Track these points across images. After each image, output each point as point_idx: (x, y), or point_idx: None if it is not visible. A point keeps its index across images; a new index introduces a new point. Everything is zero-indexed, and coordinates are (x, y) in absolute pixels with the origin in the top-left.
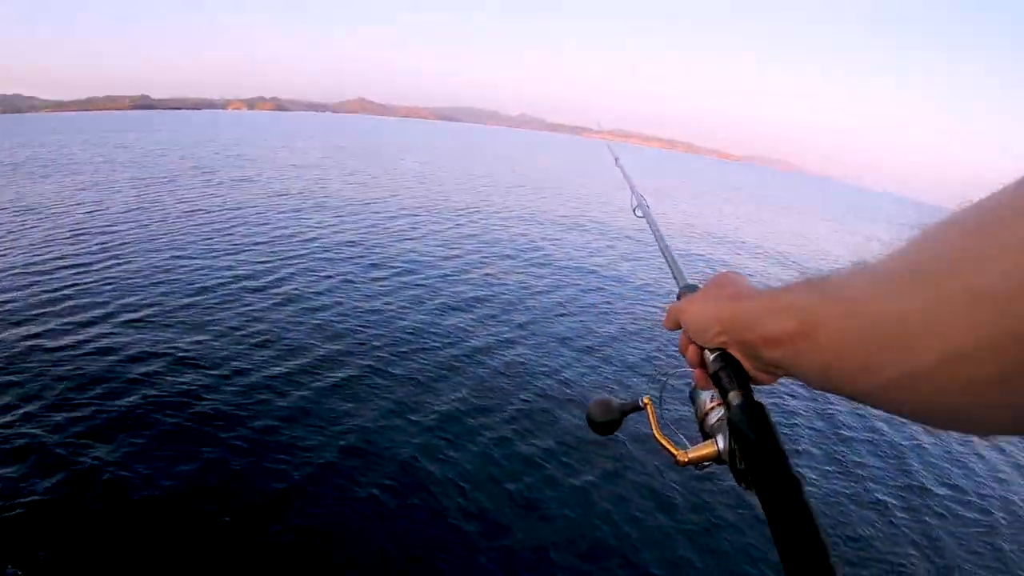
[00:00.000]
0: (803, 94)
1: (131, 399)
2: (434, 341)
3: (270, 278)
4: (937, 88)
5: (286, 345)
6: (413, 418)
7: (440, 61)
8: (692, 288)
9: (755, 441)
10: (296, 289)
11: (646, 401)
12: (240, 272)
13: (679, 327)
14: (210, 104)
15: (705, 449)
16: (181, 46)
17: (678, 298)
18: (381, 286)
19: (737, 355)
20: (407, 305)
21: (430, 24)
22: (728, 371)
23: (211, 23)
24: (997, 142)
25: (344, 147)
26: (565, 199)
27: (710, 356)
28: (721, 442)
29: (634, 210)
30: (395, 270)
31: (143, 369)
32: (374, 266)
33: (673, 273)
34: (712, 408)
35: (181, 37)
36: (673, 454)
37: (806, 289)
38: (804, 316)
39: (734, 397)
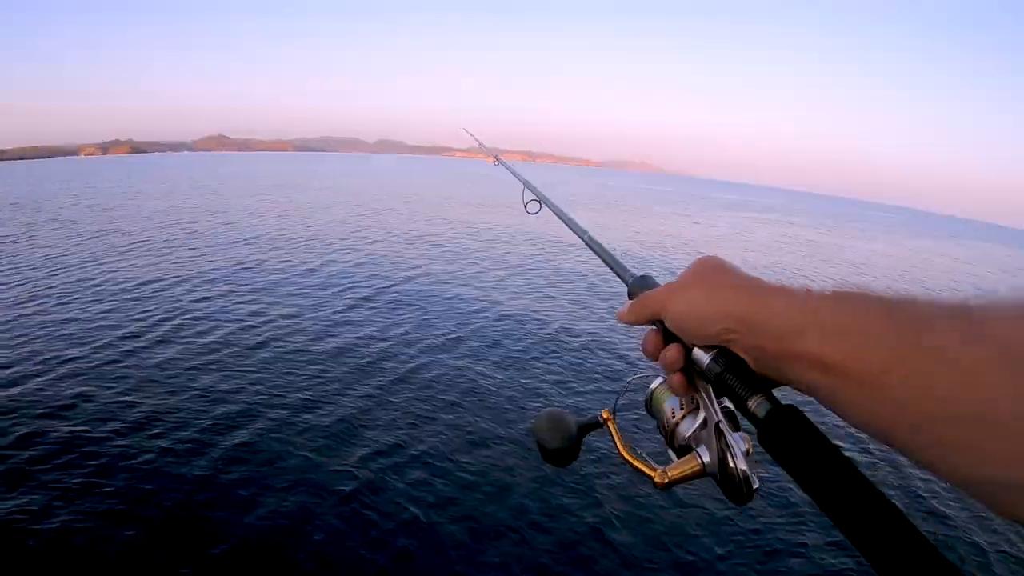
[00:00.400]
0: (656, 100)
1: None
2: (361, 367)
3: (192, 321)
4: (787, 90)
5: (226, 390)
6: (348, 449)
7: (297, 94)
8: (648, 280)
9: (813, 450)
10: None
11: (605, 416)
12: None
13: (651, 322)
14: (61, 151)
15: (688, 465)
16: (23, 90)
17: (631, 295)
18: (289, 317)
19: (742, 354)
20: (307, 336)
21: (284, 57)
22: (734, 373)
23: (56, 64)
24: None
25: (212, 187)
26: (447, 210)
27: (704, 356)
28: (706, 455)
29: (526, 206)
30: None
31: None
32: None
33: (610, 264)
34: (684, 416)
35: (22, 81)
36: (650, 475)
37: (885, 315)
38: (884, 353)
39: (757, 404)
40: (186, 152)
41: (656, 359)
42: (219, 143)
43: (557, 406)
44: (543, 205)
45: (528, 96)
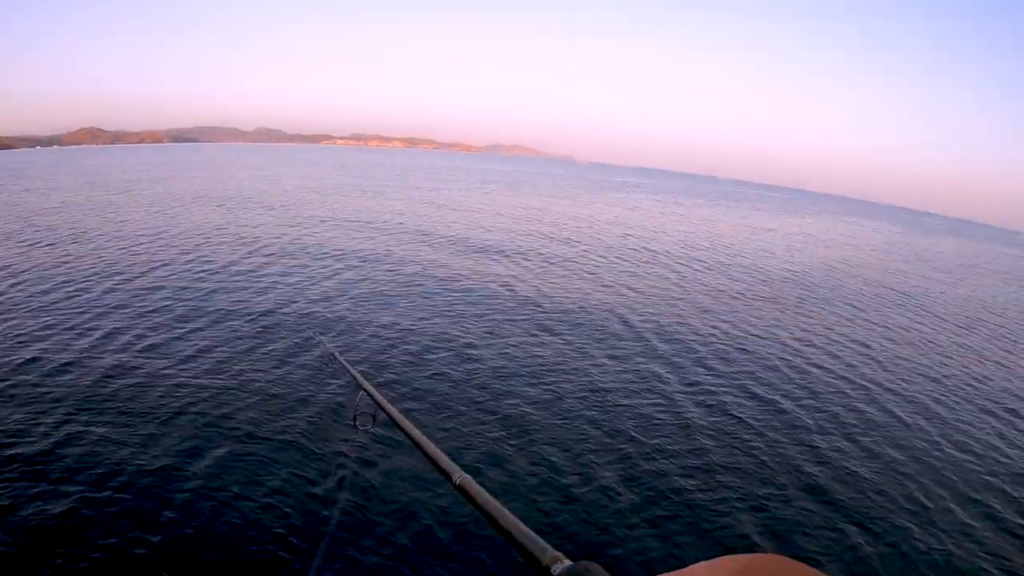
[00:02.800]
0: (531, 85)
1: None
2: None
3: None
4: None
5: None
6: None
7: (172, 83)
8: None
9: None
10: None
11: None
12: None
13: None
14: None
15: None
16: None
17: None
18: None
19: None
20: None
21: (157, 42)
22: None
23: None
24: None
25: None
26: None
27: None
28: None
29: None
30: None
31: None
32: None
33: (524, 543)
34: None
35: None
36: None
37: None
38: None
39: None
40: (55, 147)
41: None
42: (91, 136)
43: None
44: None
45: (410, 84)
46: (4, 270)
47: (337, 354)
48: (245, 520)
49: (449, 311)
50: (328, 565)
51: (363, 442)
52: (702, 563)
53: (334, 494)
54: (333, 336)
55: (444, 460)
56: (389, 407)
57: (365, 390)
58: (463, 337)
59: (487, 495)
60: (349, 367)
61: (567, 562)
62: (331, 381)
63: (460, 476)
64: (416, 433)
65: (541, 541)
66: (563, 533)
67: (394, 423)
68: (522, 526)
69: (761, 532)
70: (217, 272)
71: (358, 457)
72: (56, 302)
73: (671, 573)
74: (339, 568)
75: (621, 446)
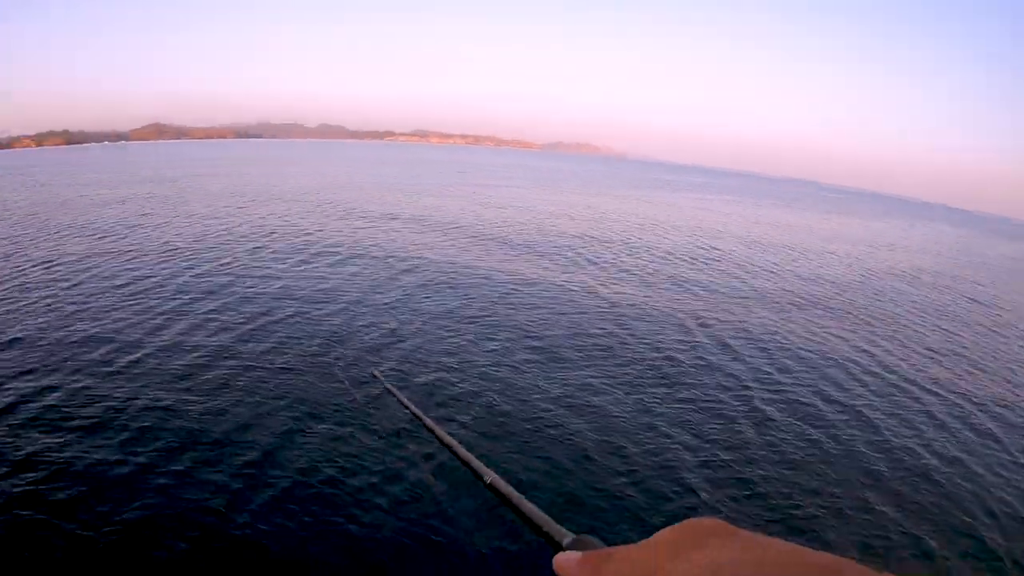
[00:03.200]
0: (594, 82)
1: None
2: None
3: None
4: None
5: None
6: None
7: (235, 80)
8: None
9: None
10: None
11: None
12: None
13: None
14: None
15: None
16: None
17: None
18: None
19: None
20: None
21: (219, 43)
22: None
23: None
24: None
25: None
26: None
27: None
28: None
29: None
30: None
31: None
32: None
33: (543, 525)
34: None
35: None
36: None
37: None
38: None
39: None
40: (123, 142)
41: None
42: (157, 131)
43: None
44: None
45: (472, 81)
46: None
47: (378, 374)
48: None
49: (528, 316)
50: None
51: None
52: (658, 532)
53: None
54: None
55: (475, 462)
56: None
57: (397, 397)
58: (542, 335)
59: (511, 488)
60: (397, 392)
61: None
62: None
63: (491, 476)
64: (447, 438)
65: (556, 524)
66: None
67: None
68: (541, 512)
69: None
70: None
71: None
72: (121, 301)
73: (633, 544)
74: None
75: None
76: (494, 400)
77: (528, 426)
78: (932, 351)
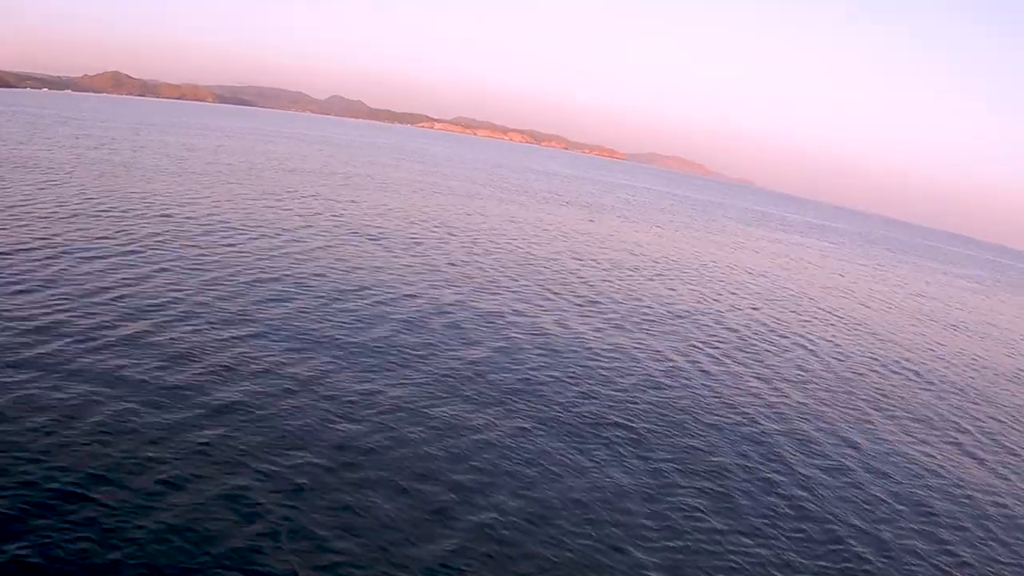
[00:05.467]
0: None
1: None
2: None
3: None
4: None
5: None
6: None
7: (224, 32)
8: None
9: None
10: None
11: None
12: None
13: None
14: None
15: None
16: None
17: None
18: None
19: None
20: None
21: None
22: None
23: None
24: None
25: None
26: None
27: None
28: None
29: None
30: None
31: None
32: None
33: None
34: None
35: None
36: None
37: None
38: None
39: None
40: (68, 91)
41: None
42: (114, 82)
43: None
44: None
45: (536, 67)
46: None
47: None
48: None
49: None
50: None
51: None
52: None
53: None
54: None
55: None
56: None
57: None
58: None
59: None
60: None
61: None
62: None
63: None
64: None
65: None
66: None
67: None
68: None
69: None
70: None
71: None
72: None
73: None
74: None
75: None
76: None
77: None
78: None
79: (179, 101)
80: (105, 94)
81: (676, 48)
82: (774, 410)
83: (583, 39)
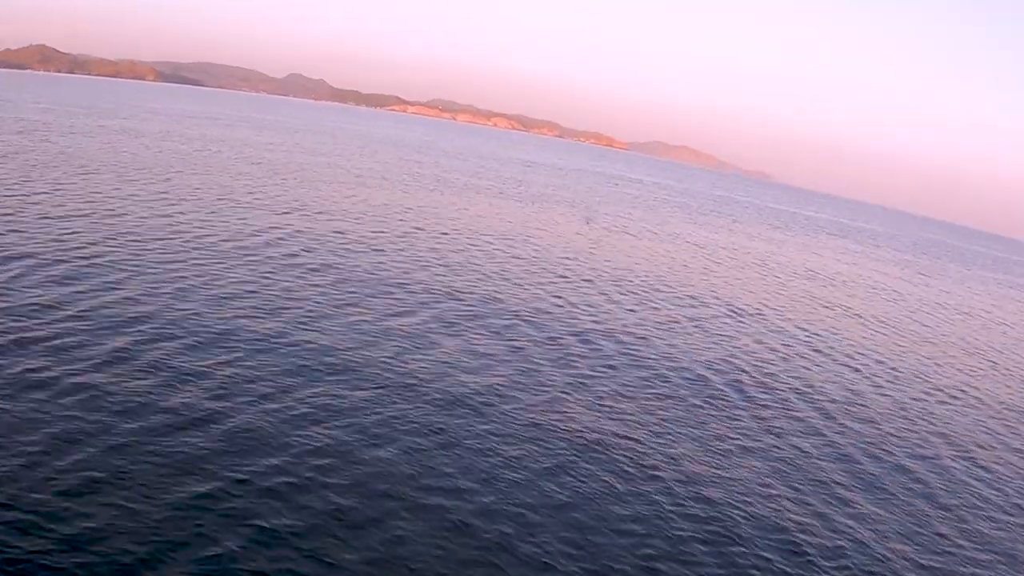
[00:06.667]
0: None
1: None
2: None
3: None
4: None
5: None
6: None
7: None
8: None
9: None
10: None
11: None
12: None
13: None
14: None
15: None
16: None
17: None
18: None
19: None
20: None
21: None
22: None
23: None
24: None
25: None
26: None
27: None
28: None
29: None
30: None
31: None
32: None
33: None
34: None
35: None
36: None
37: None
38: None
39: None
40: None
41: None
42: (40, 57)
43: None
44: None
45: (525, 43)
46: None
47: None
48: None
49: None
50: None
51: None
52: None
53: None
54: None
55: None
56: None
57: None
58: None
59: None
60: None
61: None
62: None
63: None
64: None
65: None
66: None
67: None
68: None
69: None
70: None
71: None
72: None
73: None
74: None
75: None
76: None
77: None
78: None
79: (114, 79)
80: (30, 71)
81: (685, 25)
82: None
83: (579, 11)
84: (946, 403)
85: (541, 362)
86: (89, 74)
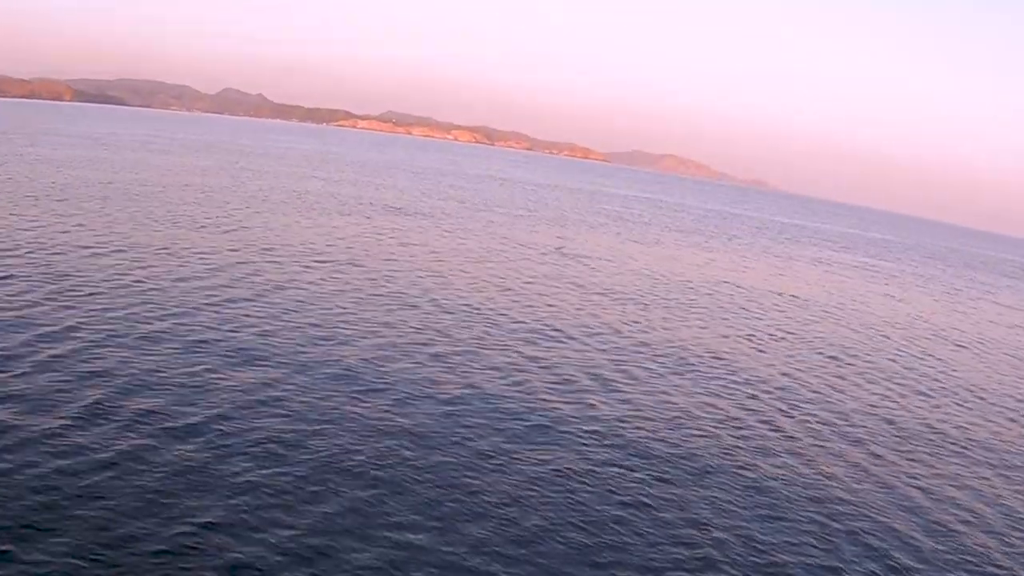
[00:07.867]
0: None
1: None
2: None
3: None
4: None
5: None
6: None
7: (87, 9)
8: None
9: None
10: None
11: None
12: None
13: None
14: None
15: None
16: None
17: None
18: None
19: None
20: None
21: None
22: None
23: None
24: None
25: None
26: None
27: None
28: None
29: None
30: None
31: None
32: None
33: None
34: None
35: None
36: None
37: None
38: None
39: None
40: None
41: None
42: None
43: None
44: None
45: (487, 49)
46: None
47: None
48: None
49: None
50: None
51: None
52: None
53: None
54: None
55: None
56: None
57: None
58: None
59: None
60: None
61: None
62: None
63: None
64: None
65: None
66: None
67: None
68: None
69: None
70: None
71: None
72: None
73: None
74: None
75: None
76: None
77: None
78: None
79: (27, 101)
80: None
81: (666, 22)
82: None
83: (548, 11)
84: None
85: (547, 400)
86: (1, 95)
